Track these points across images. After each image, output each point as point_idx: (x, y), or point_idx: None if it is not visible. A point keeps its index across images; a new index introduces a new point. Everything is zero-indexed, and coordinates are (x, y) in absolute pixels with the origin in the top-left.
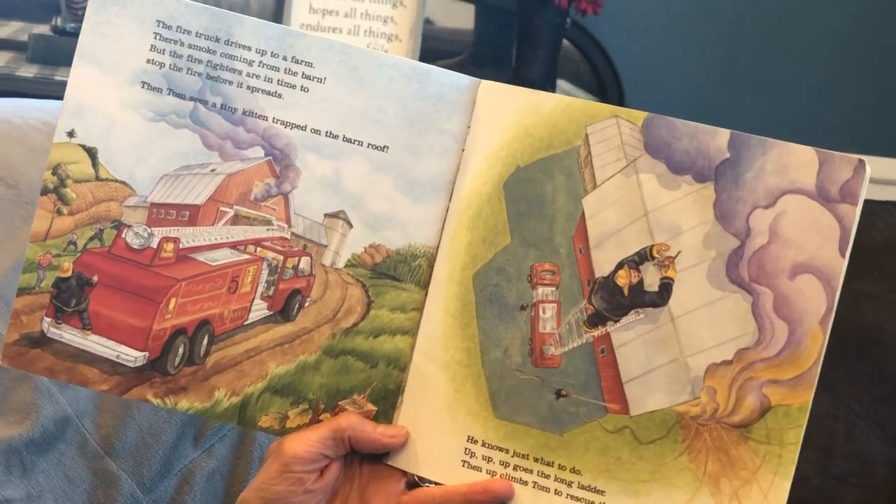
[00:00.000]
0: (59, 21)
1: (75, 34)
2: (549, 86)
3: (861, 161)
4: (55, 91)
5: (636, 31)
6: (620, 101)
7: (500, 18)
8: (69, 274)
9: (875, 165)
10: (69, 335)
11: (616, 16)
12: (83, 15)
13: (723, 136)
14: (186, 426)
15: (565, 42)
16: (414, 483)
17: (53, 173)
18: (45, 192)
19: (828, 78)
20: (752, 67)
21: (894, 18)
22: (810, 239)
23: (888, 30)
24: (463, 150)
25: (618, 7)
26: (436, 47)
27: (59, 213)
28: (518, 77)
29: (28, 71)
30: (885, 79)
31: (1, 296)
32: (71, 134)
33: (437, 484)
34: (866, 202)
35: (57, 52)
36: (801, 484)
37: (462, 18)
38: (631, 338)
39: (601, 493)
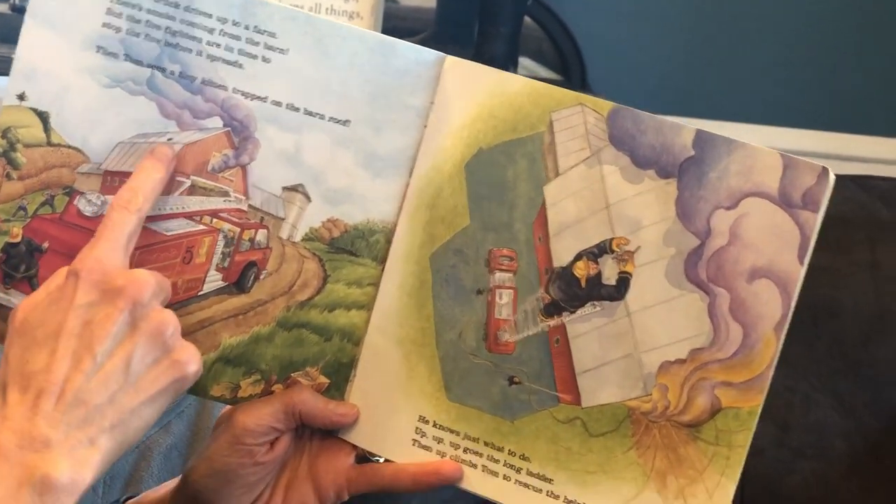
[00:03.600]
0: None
1: None
2: (510, 63)
3: (825, 169)
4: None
5: (599, 8)
6: (583, 79)
7: None
8: (18, 239)
9: (833, 141)
10: (17, 300)
11: None
12: None
13: (688, 133)
14: None
15: (528, 20)
16: (364, 458)
17: (3, 137)
18: None
19: (790, 55)
20: (717, 46)
21: None
22: (770, 243)
23: (851, 9)
24: (426, 127)
25: None
26: (398, 26)
27: (8, 177)
28: (480, 54)
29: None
30: (845, 57)
31: None
32: (21, 97)
33: (386, 461)
34: None
35: (15, 30)
36: (757, 456)
37: None
38: (586, 330)
39: (550, 481)
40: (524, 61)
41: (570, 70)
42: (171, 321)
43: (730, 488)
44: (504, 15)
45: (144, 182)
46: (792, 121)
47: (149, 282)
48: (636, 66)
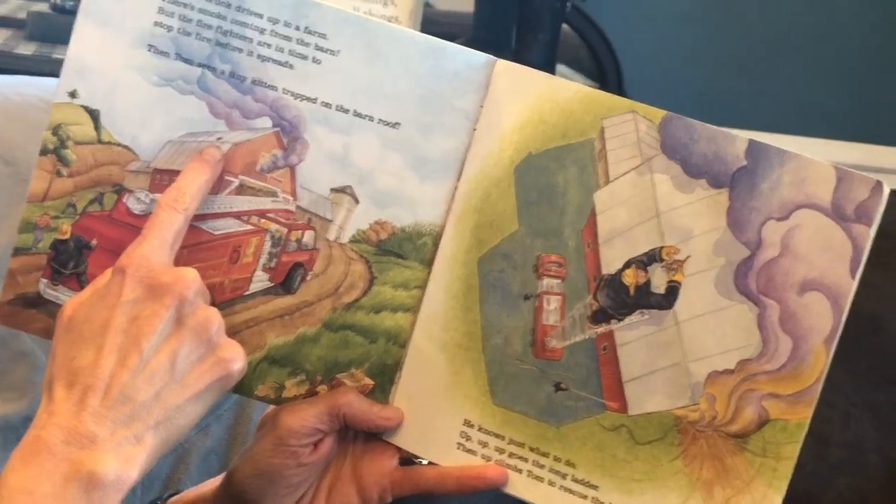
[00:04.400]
0: None
1: (74, 12)
2: (549, 70)
3: (879, 182)
4: (53, 69)
5: (636, 15)
6: (620, 87)
7: (501, 2)
8: (68, 236)
9: (877, 154)
10: (66, 297)
11: (616, 1)
12: None
13: (741, 142)
14: None
15: (565, 26)
16: (408, 460)
17: (54, 133)
18: (44, 152)
19: (829, 66)
20: (756, 56)
21: None
22: (822, 256)
23: (890, 19)
24: (475, 130)
25: None
26: (434, 30)
27: (58, 174)
28: (518, 61)
29: (26, 48)
30: (888, 69)
31: (1, 272)
32: (73, 94)
33: (431, 463)
34: None
35: (56, 29)
36: (795, 471)
37: (461, 1)
38: (634, 338)
39: (595, 487)
40: (561, 68)
41: (607, 77)
42: (215, 318)
43: (776, 500)
44: (543, 22)
45: (191, 182)
46: (830, 132)
47: (194, 279)
48: (673, 74)
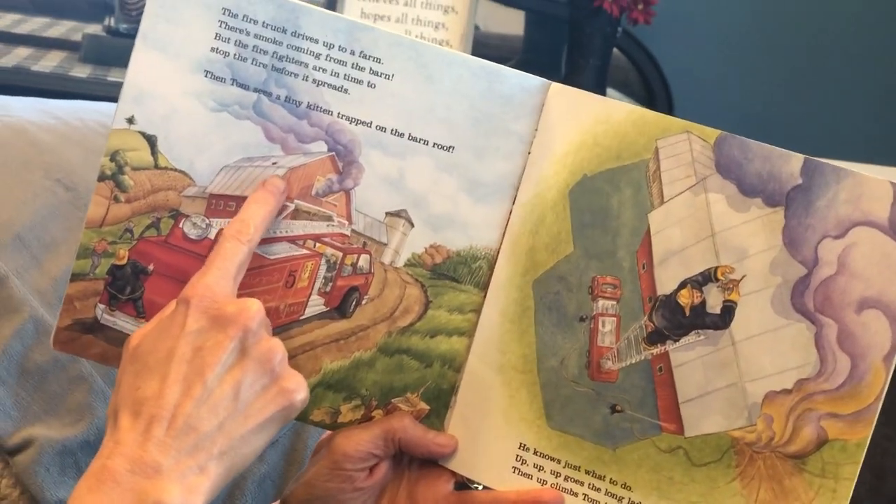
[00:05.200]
0: (111, 21)
1: (128, 35)
2: (598, 94)
3: None
4: (108, 92)
5: (687, 41)
6: (669, 111)
7: (550, 25)
8: (125, 261)
9: None
10: (123, 322)
11: (667, 25)
12: (136, 16)
13: (796, 160)
14: None
15: (616, 51)
16: (463, 485)
17: (111, 160)
18: (102, 178)
19: (886, 91)
20: (805, 77)
21: None
22: (880, 274)
23: None
24: (529, 153)
25: (669, 17)
26: (484, 53)
27: (115, 200)
28: (567, 84)
29: (81, 71)
30: None
31: (60, 297)
32: (131, 120)
33: (486, 488)
34: None
35: (110, 52)
36: None
37: (511, 24)
38: (690, 358)
39: None
40: (611, 92)
41: (657, 101)
42: (279, 349)
43: None
44: (593, 46)
45: (255, 213)
46: (888, 160)
47: (258, 310)
48: (723, 98)
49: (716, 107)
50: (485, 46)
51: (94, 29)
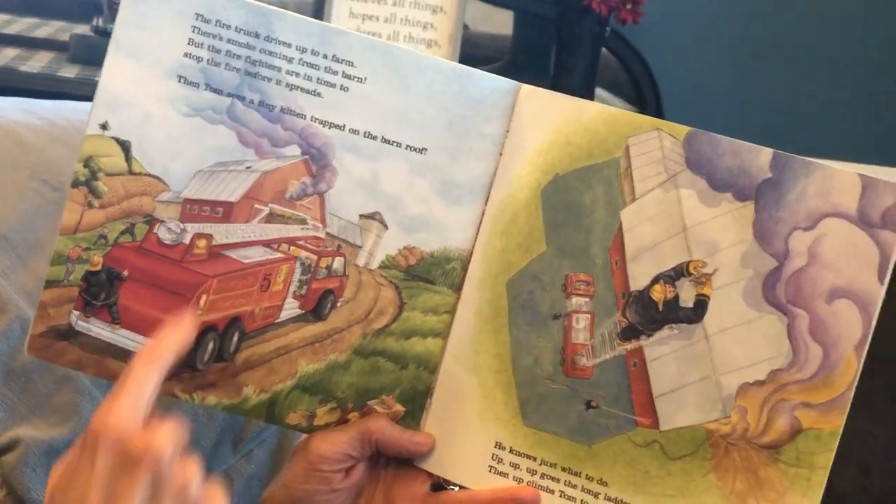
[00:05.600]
0: (100, 21)
1: None
2: (587, 94)
3: None
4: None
5: (676, 40)
6: (658, 111)
7: (539, 25)
8: (99, 268)
9: None
10: (97, 329)
11: (656, 25)
12: None
13: (765, 155)
14: (225, 431)
15: (604, 50)
16: (439, 485)
17: (85, 166)
18: (75, 184)
19: (874, 93)
20: (793, 77)
21: None
22: (849, 264)
23: None
24: (501, 155)
25: (658, 17)
26: (473, 53)
27: (89, 206)
28: (556, 85)
29: (69, 71)
30: None
31: None
32: (104, 126)
33: (462, 488)
34: None
35: (98, 52)
36: (838, 501)
37: (500, 24)
38: (664, 353)
39: None
40: (599, 92)
41: (646, 101)
42: (192, 477)
43: None
44: (582, 46)
45: (169, 338)
46: (872, 158)
47: (167, 441)
48: (712, 98)
49: (705, 106)
50: (474, 46)
51: (83, 29)
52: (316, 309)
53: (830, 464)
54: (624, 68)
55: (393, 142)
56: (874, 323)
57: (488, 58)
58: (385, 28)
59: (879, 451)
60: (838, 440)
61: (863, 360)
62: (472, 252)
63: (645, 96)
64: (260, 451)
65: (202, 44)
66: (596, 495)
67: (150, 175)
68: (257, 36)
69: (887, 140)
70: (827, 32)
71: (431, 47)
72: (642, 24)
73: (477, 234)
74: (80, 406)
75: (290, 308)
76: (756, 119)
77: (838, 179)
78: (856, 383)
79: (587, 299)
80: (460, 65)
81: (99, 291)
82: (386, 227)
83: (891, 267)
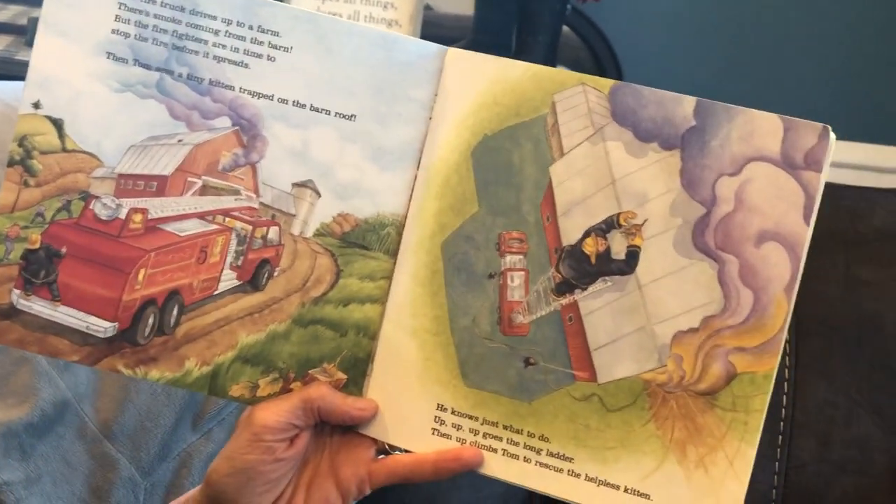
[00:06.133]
0: None
1: None
2: None
3: (825, 128)
4: None
5: (637, 17)
6: None
7: (501, 4)
8: (38, 245)
9: (876, 153)
10: (39, 307)
11: (617, 2)
12: None
13: (689, 103)
14: (185, 410)
15: (566, 28)
16: (384, 450)
17: (19, 145)
18: (11, 163)
19: (831, 65)
20: (754, 54)
21: None
22: (775, 206)
23: (891, 17)
24: (430, 119)
25: None
26: (436, 33)
27: (25, 184)
28: None
29: (27, 55)
30: (888, 68)
31: None
32: (37, 105)
33: (407, 451)
34: (866, 189)
35: None
36: (798, 471)
37: (463, 5)
38: (598, 306)
39: (570, 459)
40: (562, 69)
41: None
42: None
43: (749, 454)
44: (542, 24)
45: None
46: (837, 133)
47: None
48: (674, 75)
49: (667, 84)
50: (437, 27)
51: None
52: (253, 279)
53: (766, 406)
54: (586, 46)
55: (322, 110)
56: (803, 263)
57: (451, 38)
58: (345, 8)
59: (839, 420)
60: (773, 382)
61: (793, 303)
62: (406, 217)
63: (607, 73)
64: (220, 430)
65: (129, 20)
66: (538, 451)
67: (83, 152)
68: (183, 10)
69: (851, 114)
70: (788, 7)
71: (392, 26)
72: (603, 2)
73: (410, 198)
74: (38, 388)
75: (228, 279)
76: (718, 95)
77: (760, 123)
78: (787, 325)
79: (521, 257)
80: (386, 31)
81: (38, 269)
82: (319, 194)
83: (816, 206)
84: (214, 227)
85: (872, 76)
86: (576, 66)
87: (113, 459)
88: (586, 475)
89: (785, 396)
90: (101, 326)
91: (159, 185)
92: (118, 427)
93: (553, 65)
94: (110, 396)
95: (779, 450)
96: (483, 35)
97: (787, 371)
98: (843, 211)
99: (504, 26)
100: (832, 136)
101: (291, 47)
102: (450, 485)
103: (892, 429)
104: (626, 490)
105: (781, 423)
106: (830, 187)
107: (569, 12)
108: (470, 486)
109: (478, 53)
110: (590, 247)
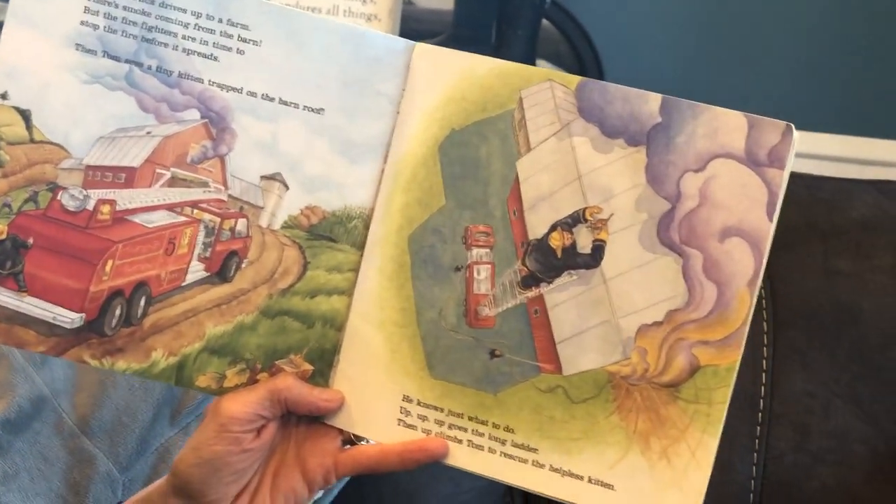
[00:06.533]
0: None
1: None
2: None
3: (789, 126)
4: None
5: (616, 10)
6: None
7: None
8: (4, 236)
9: (854, 145)
10: (4, 297)
11: None
12: None
13: (654, 100)
14: (163, 405)
15: (545, 22)
16: (350, 441)
17: None
18: None
19: (810, 58)
20: (735, 47)
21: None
22: (739, 202)
23: (869, 10)
24: (398, 113)
25: None
26: (416, 28)
27: None
28: (497, 56)
29: None
30: (866, 60)
31: None
32: (4, 96)
33: (373, 442)
34: (844, 181)
35: None
36: (776, 461)
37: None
38: (564, 299)
39: (534, 450)
40: (542, 63)
41: (588, 72)
42: None
43: (712, 445)
44: (522, 18)
45: None
46: (811, 124)
47: None
48: (654, 68)
49: (647, 77)
50: (417, 21)
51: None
52: (221, 271)
53: (728, 399)
54: (565, 39)
55: (290, 103)
56: (766, 259)
57: (431, 32)
58: (324, 3)
59: (817, 410)
60: (735, 375)
61: (755, 297)
62: (373, 209)
63: (586, 67)
64: (197, 425)
65: (98, 11)
66: (503, 442)
67: (51, 143)
68: (152, 2)
69: (835, 107)
70: (773, 2)
71: (371, 21)
72: None
73: (378, 191)
74: (14, 383)
75: (196, 271)
76: (698, 88)
77: (725, 120)
78: (750, 319)
79: (487, 250)
80: (355, 26)
81: (5, 260)
82: (287, 187)
83: (779, 203)
84: (183, 218)
85: (852, 68)
86: (556, 60)
87: (90, 455)
88: (550, 466)
89: (763, 387)
90: (68, 317)
91: (128, 177)
92: (96, 422)
93: (533, 59)
94: (87, 392)
95: (757, 441)
96: (463, 29)
97: (765, 362)
98: (821, 202)
99: (484, 20)
100: (795, 133)
101: (261, 41)
102: (429, 479)
103: (871, 419)
104: (590, 480)
105: (760, 414)
106: (809, 179)
107: (548, 5)
108: (450, 479)
109: (446, 49)
110: (556, 241)
